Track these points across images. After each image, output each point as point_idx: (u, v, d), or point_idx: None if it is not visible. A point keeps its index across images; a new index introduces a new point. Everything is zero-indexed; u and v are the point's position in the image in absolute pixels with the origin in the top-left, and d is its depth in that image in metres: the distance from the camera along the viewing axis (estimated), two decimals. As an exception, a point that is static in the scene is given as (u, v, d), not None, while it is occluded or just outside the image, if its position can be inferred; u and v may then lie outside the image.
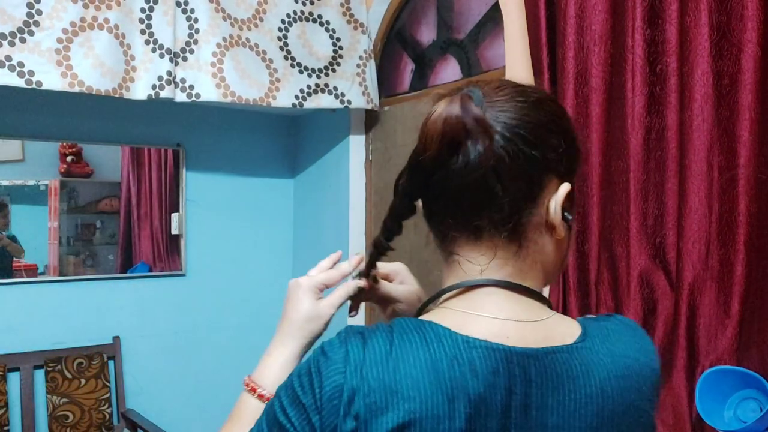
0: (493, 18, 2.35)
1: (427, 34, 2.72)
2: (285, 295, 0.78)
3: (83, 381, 2.74)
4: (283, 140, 3.44)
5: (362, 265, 0.80)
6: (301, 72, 2.65)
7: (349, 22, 2.78)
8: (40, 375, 2.71)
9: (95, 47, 2.18)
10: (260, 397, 0.71)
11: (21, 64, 2.06)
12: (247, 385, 0.73)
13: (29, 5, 2.08)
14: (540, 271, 0.67)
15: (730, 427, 1.40)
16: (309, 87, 2.67)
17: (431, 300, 0.68)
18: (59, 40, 2.12)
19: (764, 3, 1.38)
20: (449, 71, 2.61)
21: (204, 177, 3.17)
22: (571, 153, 0.66)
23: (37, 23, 2.09)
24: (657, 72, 1.59)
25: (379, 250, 0.76)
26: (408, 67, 2.83)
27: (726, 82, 1.45)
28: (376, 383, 0.58)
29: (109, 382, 2.80)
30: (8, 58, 2.04)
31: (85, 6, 2.17)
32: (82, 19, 2.16)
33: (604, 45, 1.70)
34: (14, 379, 2.66)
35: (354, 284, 0.79)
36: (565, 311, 1.82)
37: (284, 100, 2.60)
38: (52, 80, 2.10)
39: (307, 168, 3.35)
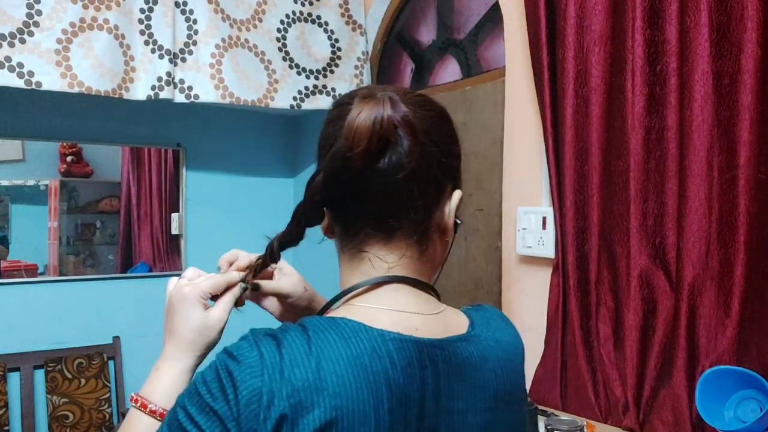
0: (493, 18, 2.35)
1: (426, 34, 2.72)
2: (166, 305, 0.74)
3: (83, 381, 2.74)
4: (283, 140, 3.44)
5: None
6: (299, 73, 2.66)
7: (347, 23, 2.78)
8: (40, 375, 2.71)
9: (95, 48, 2.18)
10: (152, 413, 0.67)
11: (21, 65, 2.06)
12: (136, 401, 0.69)
13: (29, 6, 2.08)
14: (431, 268, 0.71)
15: (730, 427, 1.40)
16: (307, 88, 2.67)
17: (337, 298, 0.69)
18: (59, 41, 2.12)
19: (764, 3, 1.38)
20: (449, 71, 2.61)
21: (204, 177, 3.17)
22: (460, 163, 0.72)
23: (36, 24, 2.09)
24: (657, 72, 1.59)
25: (272, 257, 0.75)
26: (408, 67, 2.83)
27: (726, 82, 1.44)
28: (300, 383, 0.57)
29: (109, 382, 2.81)
30: (8, 58, 2.04)
31: (85, 7, 2.17)
32: (82, 20, 2.16)
33: (604, 45, 1.70)
34: (14, 379, 2.66)
35: (238, 288, 0.78)
36: (565, 311, 1.82)
37: (282, 101, 2.60)
38: (51, 81, 2.11)
39: (307, 168, 3.35)
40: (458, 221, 0.71)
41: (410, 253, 0.68)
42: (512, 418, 0.70)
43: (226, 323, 0.74)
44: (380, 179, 0.64)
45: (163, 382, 0.70)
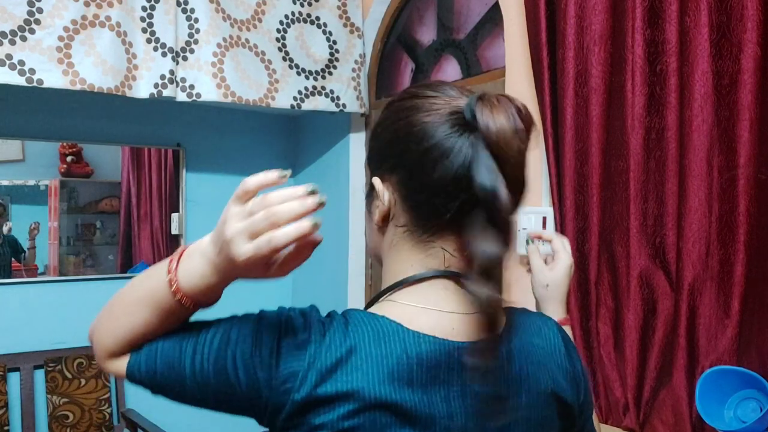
0: (493, 18, 2.35)
1: (426, 35, 2.72)
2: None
3: (83, 381, 2.73)
4: (283, 140, 3.44)
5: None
6: (299, 74, 2.66)
7: (345, 25, 2.78)
8: (40, 375, 2.71)
9: (97, 45, 2.17)
10: (176, 293, 0.66)
11: (22, 63, 2.05)
12: (171, 261, 0.67)
13: (30, 3, 2.07)
14: None
15: (730, 427, 1.40)
16: (306, 89, 2.68)
17: (384, 292, 0.72)
18: (60, 38, 2.12)
19: (764, 3, 1.38)
20: (449, 71, 2.61)
21: (204, 177, 3.17)
22: None
23: (38, 21, 2.09)
24: (657, 72, 1.59)
25: None
26: (408, 68, 2.83)
27: (726, 82, 1.45)
28: (326, 368, 0.62)
29: (109, 382, 2.80)
30: (9, 56, 2.03)
31: (86, 4, 2.17)
32: (84, 17, 2.16)
33: (604, 45, 1.70)
34: (14, 379, 2.66)
35: None
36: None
37: (283, 101, 2.60)
38: (53, 78, 2.10)
39: (307, 168, 3.35)
40: None
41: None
42: (539, 416, 0.71)
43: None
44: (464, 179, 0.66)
45: (196, 280, 0.67)
